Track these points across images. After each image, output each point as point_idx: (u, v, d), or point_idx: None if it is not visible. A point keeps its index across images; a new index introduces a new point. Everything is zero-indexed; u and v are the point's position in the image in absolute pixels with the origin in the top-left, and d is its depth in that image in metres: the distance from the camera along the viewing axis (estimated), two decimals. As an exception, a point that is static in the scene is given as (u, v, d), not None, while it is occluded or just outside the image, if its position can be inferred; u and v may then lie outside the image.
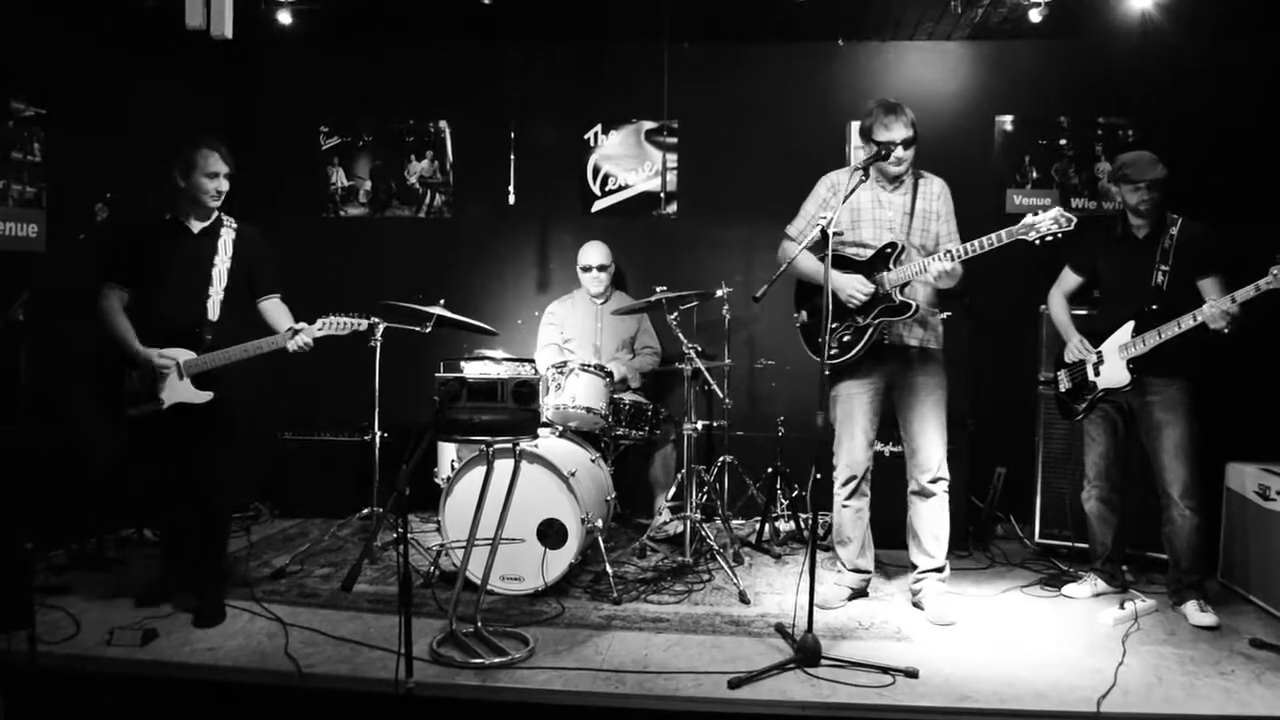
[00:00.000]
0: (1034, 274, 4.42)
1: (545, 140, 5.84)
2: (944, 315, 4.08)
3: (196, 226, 3.87)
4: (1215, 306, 3.59)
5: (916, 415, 3.91)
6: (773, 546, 4.89)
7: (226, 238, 3.89)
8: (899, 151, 3.81)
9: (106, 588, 4.08)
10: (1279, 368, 4.67)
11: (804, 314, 4.12)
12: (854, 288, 3.82)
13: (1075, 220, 3.49)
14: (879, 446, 4.75)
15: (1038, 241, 3.54)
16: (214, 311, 3.80)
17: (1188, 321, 3.69)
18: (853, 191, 3.73)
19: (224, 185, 3.84)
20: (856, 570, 4.10)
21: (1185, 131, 5.12)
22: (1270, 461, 4.18)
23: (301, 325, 3.81)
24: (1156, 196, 3.91)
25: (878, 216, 3.93)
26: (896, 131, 3.80)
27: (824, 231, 3.54)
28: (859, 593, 4.11)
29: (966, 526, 4.90)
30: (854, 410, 3.96)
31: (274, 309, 4.00)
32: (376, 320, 4.32)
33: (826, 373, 3.55)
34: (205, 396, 3.76)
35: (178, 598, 3.84)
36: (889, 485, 4.31)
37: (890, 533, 4.29)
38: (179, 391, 3.74)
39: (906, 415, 3.96)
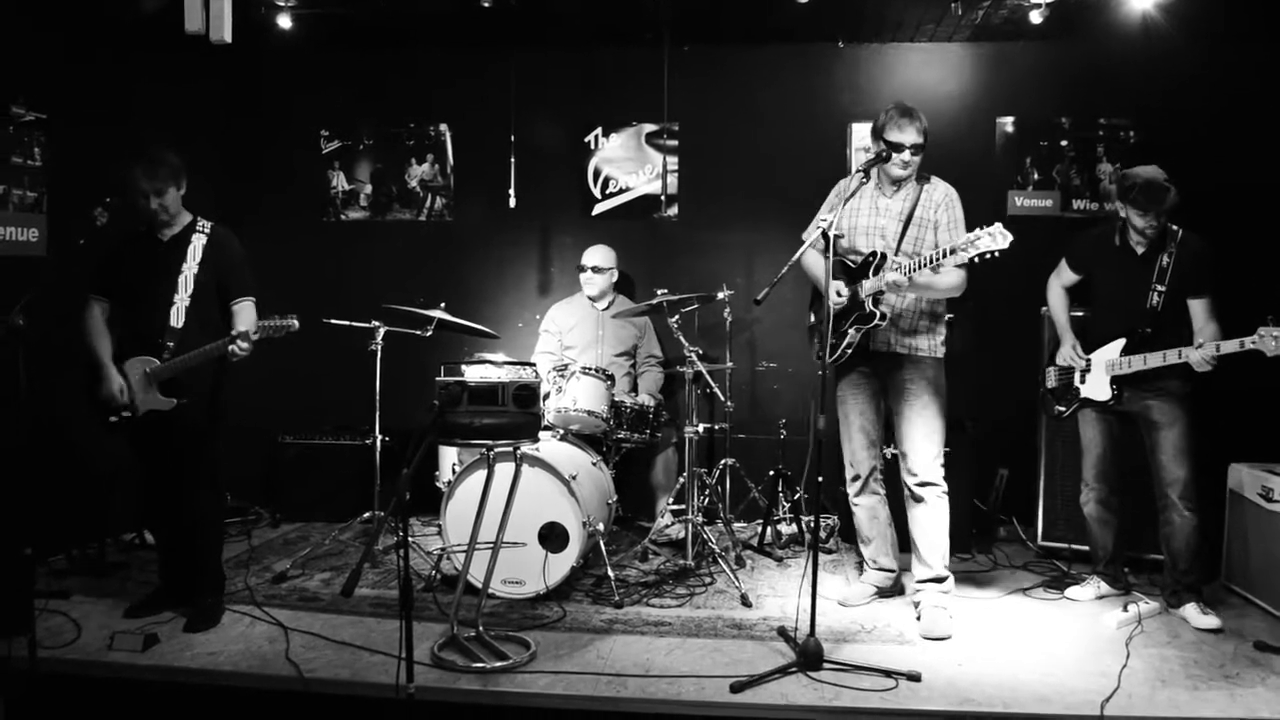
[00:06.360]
0: (1036, 276, 4.40)
1: (545, 143, 5.82)
2: (948, 316, 4.05)
3: (166, 235, 3.82)
4: (1199, 354, 3.66)
5: (902, 419, 3.93)
6: (774, 549, 4.89)
7: (197, 244, 3.81)
8: (905, 155, 3.80)
9: (107, 592, 4.08)
10: (1280, 369, 4.66)
11: (812, 316, 4.22)
12: (832, 293, 3.80)
13: (1011, 239, 3.36)
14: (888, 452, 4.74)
15: (976, 259, 3.44)
16: (178, 319, 3.73)
17: (1173, 357, 3.74)
18: (853, 194, 3.79)
19: (160, 201, 3.73)
20: (879, 568, 4.14)
21: (1186, 132, 5.10)
22: (1273, 463, 4.17)
23: (243, 330, 3.68)
24: (1164, 222, 3.87)
25: (872, 224, 3.94)
26: (908, 135, 3.79)
27: (825, 234, 3.52)
28: (886, 591, 4.14)
29: (969, 529, 4.88)
30: (849, 411, 4.06)
31: (241, 313, 3.84)
32: (376, 324, 4.30)
33: (820, 372, 3.55)
34: (171, 403, 3.72)
35: (170, 609, 3.81)
36: (893, 489, 4.22)
37: (899, 536, 4.21)
38: (150, 399, 3.73)
39: (895, 420, 3.99)
